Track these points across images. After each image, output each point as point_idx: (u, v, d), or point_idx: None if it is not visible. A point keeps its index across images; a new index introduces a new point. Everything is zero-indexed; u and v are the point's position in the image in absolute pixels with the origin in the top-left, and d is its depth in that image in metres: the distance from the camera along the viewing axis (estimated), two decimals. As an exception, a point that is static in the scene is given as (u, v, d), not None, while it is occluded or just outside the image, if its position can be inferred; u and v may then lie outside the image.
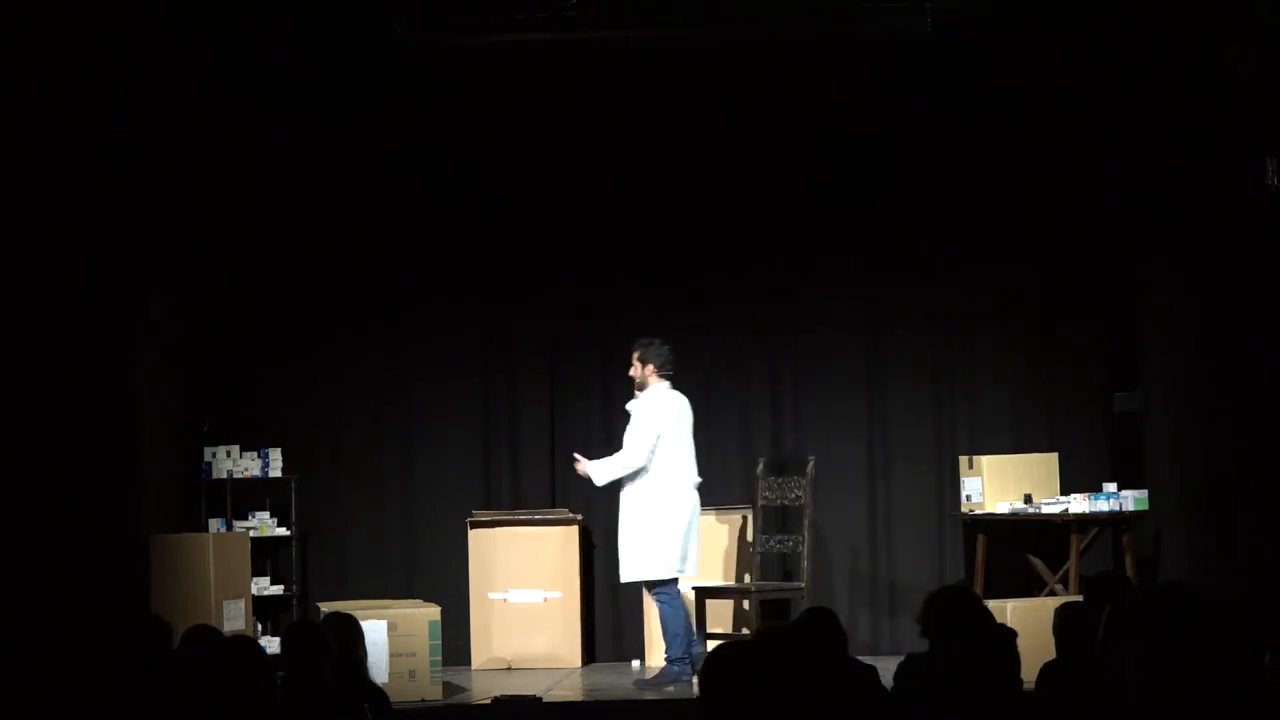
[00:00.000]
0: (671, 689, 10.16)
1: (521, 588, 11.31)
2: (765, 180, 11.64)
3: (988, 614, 5.83)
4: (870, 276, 11.72)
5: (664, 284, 11.76)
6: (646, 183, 11.65)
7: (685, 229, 11.68)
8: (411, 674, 9.99)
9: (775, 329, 11.82)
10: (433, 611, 10.18)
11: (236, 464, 11.59)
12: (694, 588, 10.79)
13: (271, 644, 10.49)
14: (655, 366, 10.53)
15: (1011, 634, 5.91)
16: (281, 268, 11.75)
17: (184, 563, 10.53)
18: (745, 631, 10.88)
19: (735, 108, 11.57)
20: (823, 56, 11.35)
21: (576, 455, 10.79)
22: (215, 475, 11.58)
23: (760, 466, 11.14)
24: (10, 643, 8.42)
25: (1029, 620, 8.24)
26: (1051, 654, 6.43)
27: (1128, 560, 10.92)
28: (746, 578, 11.12)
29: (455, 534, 11.46)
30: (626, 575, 10.60)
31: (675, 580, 10.44)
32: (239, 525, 11.49)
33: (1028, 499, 11.03)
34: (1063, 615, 6.49)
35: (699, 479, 10.62)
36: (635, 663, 11.29)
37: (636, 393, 10.59)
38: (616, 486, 10.63)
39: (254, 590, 11.07)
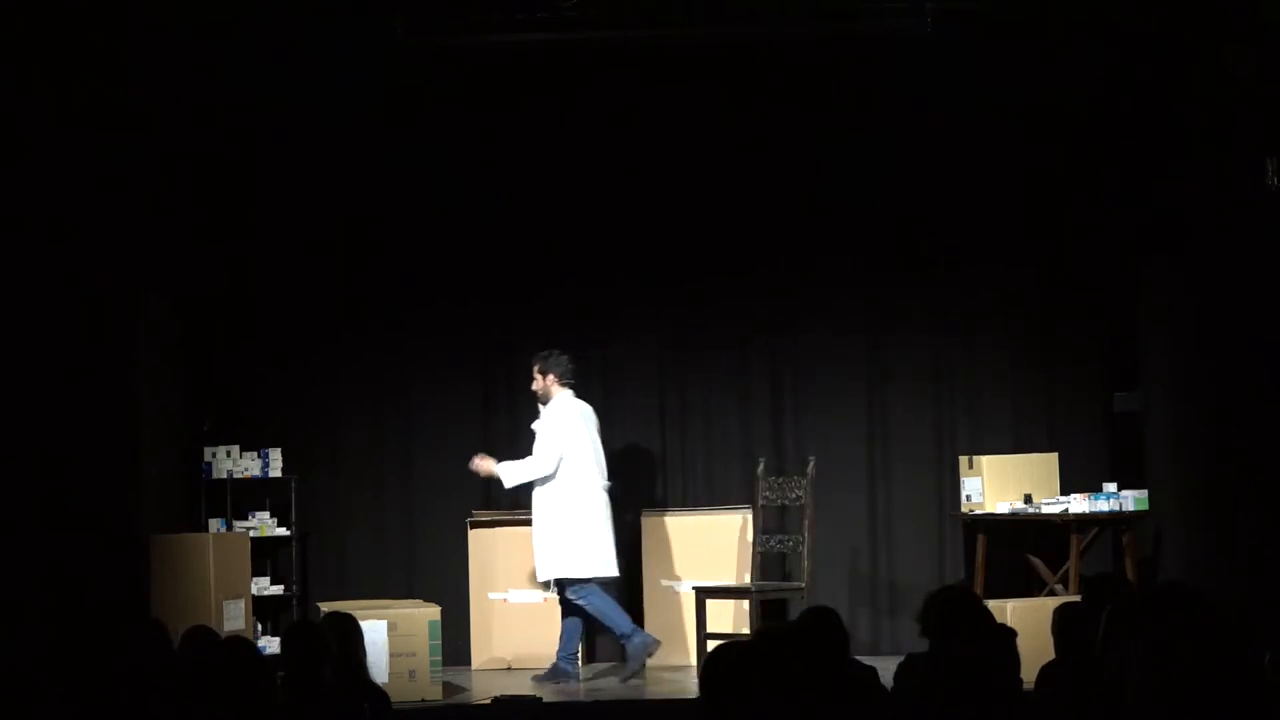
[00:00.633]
0: (563, 685, 10.41)
1: (522, 588, 11.31)
2: (765, 180, 11.64)
3: (988, 614, 5.84)
4: (870, 276, 11.73)
5: (664, 284, 11.77)
6: (646, 183, 11.65)
7: (685, 229, 11.69)
8: (411, 674, 10.00)
9: (775, 329, 11.82)
10: (433, 611, 10.19)
11: (236, 464, 11.59)
12: (694, 588, 10.81)
13: (271, 644, 10.50)
14: (556, 376, 10.68)
15: (1011, 634, 5.91)
16: (281, 268, 11.75)
17: (184, 563, 10.52)
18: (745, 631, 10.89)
19: (735, 108, 11.57)
20: (823, 56, 11.35)
21: (481, 455, 10.85)
22: (215, 475, 11.57)
23: (760, 466, 11.14)
24: (10, 643, 8.41)
25: (1029, 620, 8.24)
26: (1051, 654, 6.42)
27: (1128, 560, 10.92)
28: (746, 578, 11.12)
29: (455, 534, 11.47)
30: (543, 574, 10.70)
31: (591, 580, 10.55)
32: (239, 525, 11.49)
33: (1028, 499, 11.03)
34: (1062, 615, 6.48)
35: (608, 482, 10.75)
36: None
37: (540, 406, 10.69)
38: (528, 488, 10.74)
39: (254, 590, 11.06)
